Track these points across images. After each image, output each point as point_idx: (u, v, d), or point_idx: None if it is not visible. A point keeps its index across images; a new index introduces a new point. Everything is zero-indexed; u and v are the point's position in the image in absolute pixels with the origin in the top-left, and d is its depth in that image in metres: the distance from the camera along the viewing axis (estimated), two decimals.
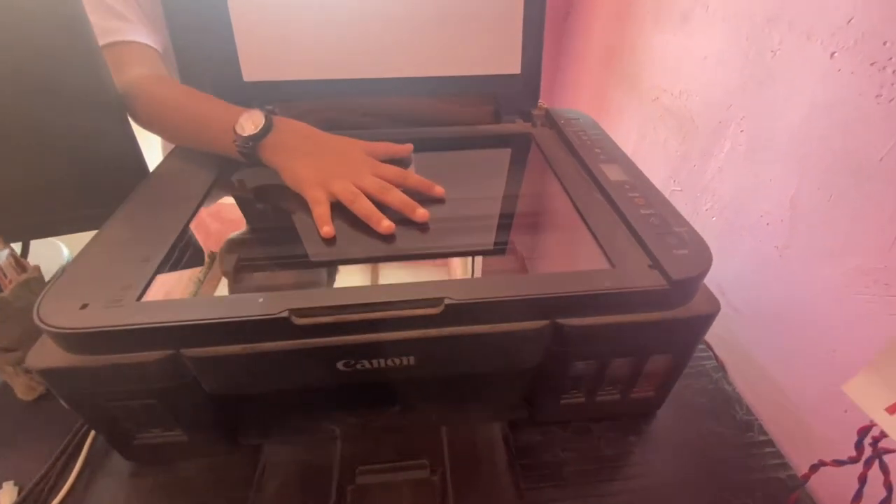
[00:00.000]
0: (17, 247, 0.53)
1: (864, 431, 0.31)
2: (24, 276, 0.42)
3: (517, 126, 0.60)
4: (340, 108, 0.56)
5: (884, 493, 0.31)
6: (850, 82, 0.39)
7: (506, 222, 0.48)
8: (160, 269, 0.36)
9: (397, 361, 0.34)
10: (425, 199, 0.45)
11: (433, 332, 0.33)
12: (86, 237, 0.38)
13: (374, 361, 0.34)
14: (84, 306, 0.31)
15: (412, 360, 0.35)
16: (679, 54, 0.62)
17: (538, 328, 0.34)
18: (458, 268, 0.51)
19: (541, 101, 0.62)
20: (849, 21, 0.38)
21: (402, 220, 0.42)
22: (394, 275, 0.44)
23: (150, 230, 0.39)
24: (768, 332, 0.49)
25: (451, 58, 0.58)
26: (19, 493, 0.39)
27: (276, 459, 0.40)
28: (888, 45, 0.35)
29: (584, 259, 0.40)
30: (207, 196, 0.46)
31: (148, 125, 0.52)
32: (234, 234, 0.48)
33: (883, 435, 0.29)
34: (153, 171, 0.49)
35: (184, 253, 0.39)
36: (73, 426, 0.43)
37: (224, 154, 0.49)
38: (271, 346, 0.32)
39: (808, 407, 0.45)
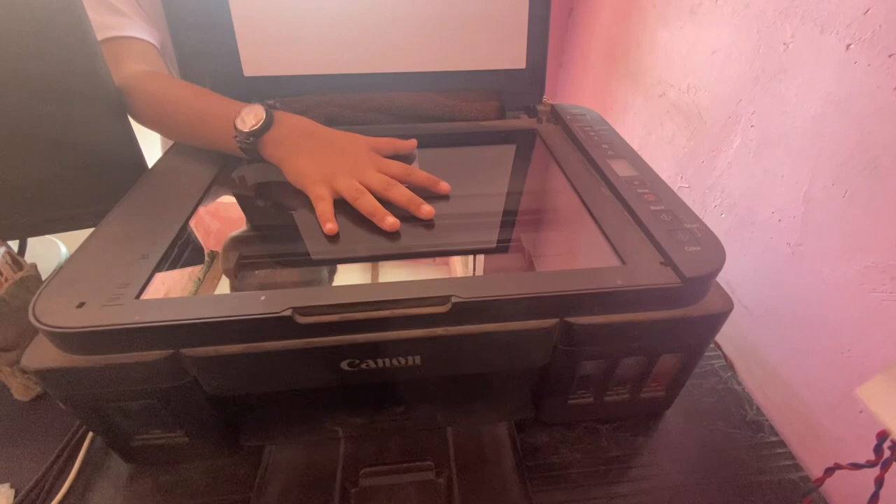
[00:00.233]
0: (13, 244, 0.52)
1: (883, 435, 0.30)
2: (20, 275, 0.41)
3: (522, 122, 0.60)
4: (343, 103, 0.55)
5: None
6: (866, 75, 0.38)
7: (512, 219, 0.47)
8: (159, 267, 0.35)
9: (403, 361, 0.34)
10: (430, 196, 0.44)
11: (440, 330, 0.32)
12: (83, 235, 0.38)
13: (379, 361, 0.33)
14: (81, 305, 0.30)
15: (418, 359, 0.34)
16: (686, 49, 0.61)
17: (547, 327, 0.33)
18: (459, 266, 0.50)
19: (545, 97, 0.61)
20: (865, 12, 0.37)
21: (407, 217, 0.41)
22: (393, 272, 0.43)
23: (149, 227, 0.38)
24: (779, 331, 0.48)
25: (455, 53, 0.57)
26: (16, 496, 0.38)
27: (278, 461, 0.39)
28: None
29: (593, 256, 0.39)
30: (207, 193, 0.45)
31: (146, 122, 0.51)
32: (236, 231, 0.47)
33: None
34: (152, 168, 0.48)
35: (183, 250, 0.38)
36: (70, 427, 0.42)
37: (225, 150, 0.48)
38: (274, 346, 0.31)
39: (820, 407, 0.44)
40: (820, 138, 0.42)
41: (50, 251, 0.63)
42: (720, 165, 0.56)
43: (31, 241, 0.54)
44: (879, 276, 0.37)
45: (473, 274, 0.48)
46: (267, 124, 0.44)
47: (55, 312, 0.30)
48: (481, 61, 0.58)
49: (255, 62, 0.55)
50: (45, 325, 0.29)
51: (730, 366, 0.52)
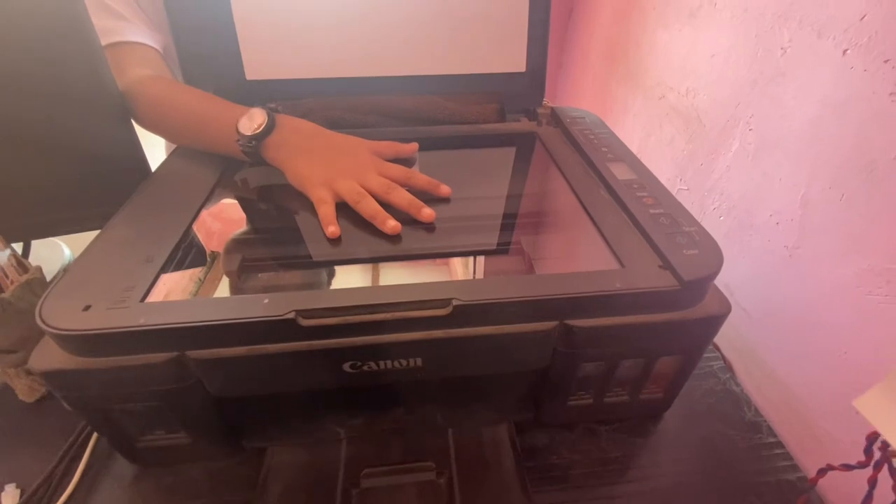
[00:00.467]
0: (18, 247, 0.52)
1: (873, 437, 0.30)
2: (25, 277, 0.42)
3: (522, 125, 0.60)
4: (344, 106, 0.56)
5: (893, 497, 0.30)
6: (862, 80, 0.38)
7: (512, 222, 0.47)
8: (164, 270, 0.35)
9: (404, 363, 0.34)
10: (431, 199, 0.44)
11: (441, 333, 0.32)
12: (88, 237, 0.38)
13: (381, 363, 0.34)
14: (87, 308, 0.31)
15: (419, 361, 0.34)
16: (686, 51, 0.62)
17: (547, 329, 0.33)
18: (459, 268, 0.50)
19: (545, 100, 0.62)
20: (862, 18, 0.38)
21: (408, 220, 0.42)
22: (394, 274, 0.43)
23: (154, 230, 0.39)
24: (777, 333, 0.49)
25: (455, 56, 0.58)
26: (21, 497, 0.38)
27: (280, 462, 0.39)
28: None
29: (592, 259, 0.39)
30: (211, 196, 0.45)
31: (150, 126, 0.51)
32: (237, 233, 0.47)
33: None
34: (155, 171, 0.48)
35: (188, 253, 0.39)
36: (75, 428, 0.43)
37: (227, 154, 0.48)
38: (277, 348, 0.31)
39: (818, 408, 0.44)
40: (817, 142, 0.43)
41: (54, 253, 0.63)
42: (719, 168, 0.56)
43: (35, 243, 0.55)
44: (876, 279, 0.38)
45: (474, 276, 0.48)
46: (269, 128, 0.45)
47: (61, 315, 0.30)
48: (482, 64, 0.59)
49: (258, 66, 0.56)
50: (51, 327, 0.29)
51: (728, 367, 0.52)
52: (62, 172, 0.46)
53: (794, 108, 0.45)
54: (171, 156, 0.51)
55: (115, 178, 0.47)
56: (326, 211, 0.41)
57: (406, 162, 0.49)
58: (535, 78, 0.60)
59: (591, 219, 0.41)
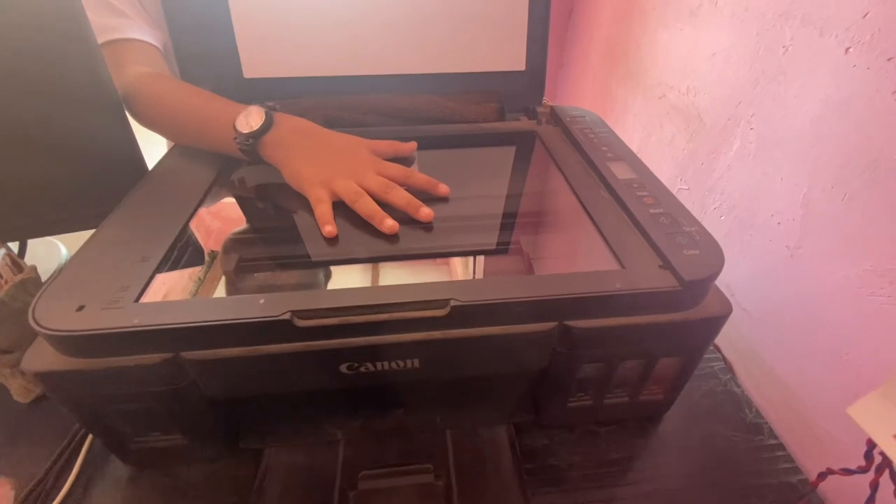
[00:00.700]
0: (14, 246, 0.52)
1: (873, 442, 0.30)
2: (20, 277, 0.41)
3: (522, 124, 0.60)
4: (343, 105, 0.55)
5: (894, 502, 0.30)
6: (865, 78, 0.38)
7: (511, 222, 0.47)
8: (159, 269, 0.35)
9: (402, 364, 0.34)
10: (430, 199, 0.44)
11: (438, 334, 0.32)
12: (85, 236, 0.38)
13: (378, 364, 0.33)
14: (81, 308, 0.30)
15: (417, 362, 0.34)
16: (686, 51, 0.61)
17: (546, 330, 0.33)
18: (459, 267, 0.50)
19: (545, 99, 0.61)
20: (865, 15, 0.37)
21: (406, 220, 0.41)
22: (393, 274, 0.43)
23: (149, 229, 0.38)
24: (778, 334, 0.48)
25: (454, 54, 0.57)
26: (15, 497, 0.38)
27: (277, 463, 0.39)
28: None
29: (592, 259, 0.39)
30: (208, 195, 0.45)
31: (148, 124, 0.51)
32: (234, 232, 0.47)
33: None
34: (152, 170, 0.48)
35: (183, 252, 0.38)
36: (70, 429, 0.42)
37: (225, 152, 0.48)
38: (273, 349, 0.31)
39: (819, 410, 0.44)
40: (819, 141, 0.42)
41: (50, 252, 0.63)
42: (720, 168, 0.56)
43: (31, 242, 0.54)
44: (878, 280, 0.37)
45: (473, 275, 0.48)
46: (266, 126, 0.44)
47: (55, 315, 0.30)
48: (481, 63, 0.58)
49: (255, 64, 0.55)
50: (44, 328, 0.29)
51: (729, 368, 0.52)
52: (58, 171, 0.46)
53: (796, 107, 0.45)
54: (168, 154, 0.51)
55: (112, 176, 0.47)
56: (323, 210, 0.41)
57: (405, 161, 0.48)
58: (534, 76, 0.60)
59: (591, 218, 0.41)
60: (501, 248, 0.44)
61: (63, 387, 0.32)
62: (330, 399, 0.40)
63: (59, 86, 0.43)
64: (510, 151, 0.58)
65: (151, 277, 0.34)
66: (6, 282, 0.41)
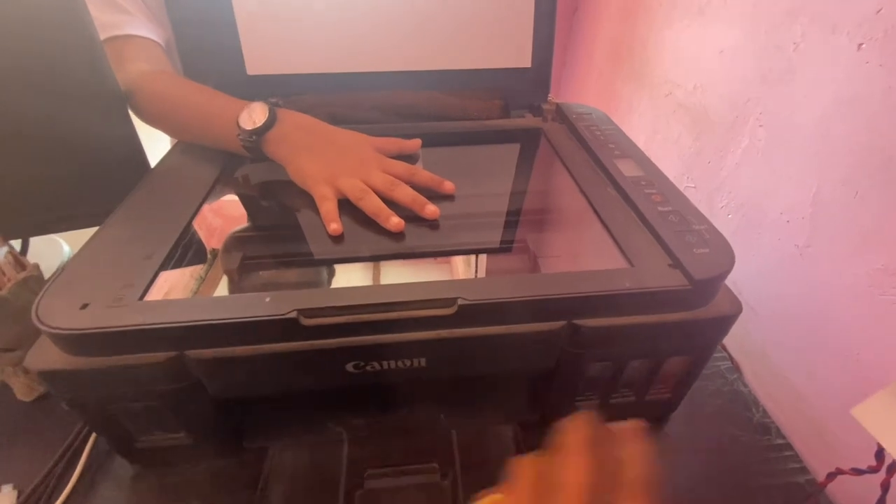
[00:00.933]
0: (16, 244, 0.52)
1: None
2: (22, 275, 0.41)
3: (527, 121, 0.59)
4: (346, 102, 0.55)
5: None
6: (878, 75, 0.37)
7: (517, 220, 0.46)
8: (163, 267, 0.34)
9: (408, 363, 0.33)
10: (434, 196, 0.43)
11: (445, 333, 0.32)
12: (87, 234, 0.37)
13: (385, 363, 0.33)
14: (84, 306, 0.30)
15: (423, 361, 0.33)
16: (693, 48, 0.61)
17: (554, 329, 0.32)
18: (461, 266, 0.50)
19: (550, 96, 0.61)
20: (878, 11, 0.37)
21: (412, 217, 0.41)
22: (394, 272, 0.43)
23: (153, 227, 0.38)
24: (786, 333, 0.48)
25: (459, 51, 0.57)
26: (18, 497, 0.38)
27: (282, 463, 0.39)
28: None
29: (600, 258, 0.39)
30: (211, 192, 0.44)
31: (151, 121, 0.51)
32: (236, 230, 0.47)
33: None
34: (155, 167, 0.48)
35: (187, 250, 0.38)
36: (73, 428, 0.42)
37: (228, 149, 0.48)
38: (278, 348, 0.31)
39: (827, 410, 0.43)
40: (830, 139, 0.42)
41: (53, 250, 0.63)
42: (728, 166, 0.55)
43: (33, 240, 0.54)
44: (889, 279, 0.37)
45: (476, 273, 0.47)
46: (270, 122, 0.44)
47: (58, 314, 0.29)
48: (486, 59, 0.58)
49: (259, 61, 0.55)
50: (48, 326, 0.29)
51: (736, 368, 0.51)
52: (60, 169, 0.46)
53: (806, 104, 0.44)
54: (171, 151, 0.51)
55: (115, 174, 0.47)
56: (329, 208, 0.40)
57: (409, 158, 0.48)
58: (540, 73, 0.59)
59: (599, 216, 0.40)
60: (507, 247, 0.44)
61: (66, 385, 0.31)
62: (335, 398, 0.40)
63: (61, 83, 0.42)
64: (515, 149, 0.58)
65: (155, 275, 0.33)
66: (9, 279, 0.40)
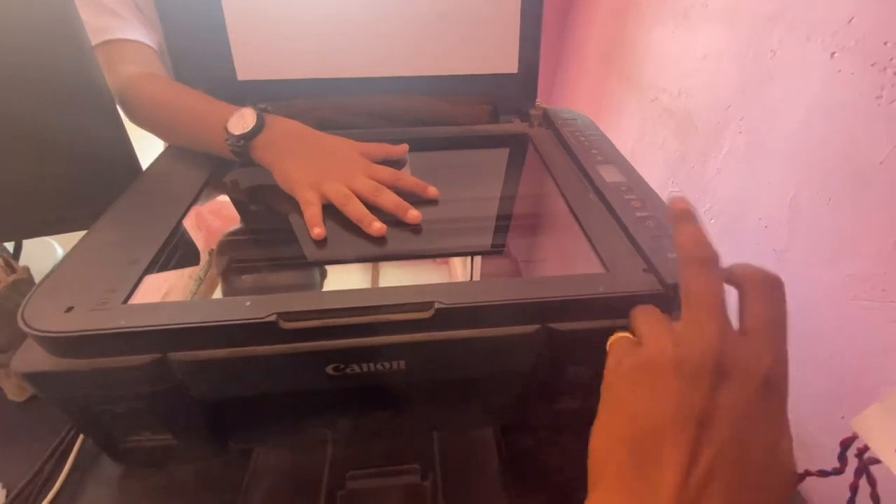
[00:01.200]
0: (9, 246, 0.53)
1: (846, 443, 0.30)
2: (12, 278, 0.42)
3: (514, 126, 0.60)
4: (335, 107, 0.56)
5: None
6: (850, 83, 0.38)
7: (500, 224, 0.47)
8: (149, 271, 0.35)
9: (387, 365, 0.34)
10: (419, 201, 0.44)
11: (423, 336, 0.32)
12: (80, 236, 0.38)
13: (364, 365, 0.34)
14: (69, 309, 0.31)
15: (403, 364, 0.34)
16: (678, 53, 0.62)
17: (530, 333, 0.33)
18: (458, 267, 0.50)
19: (539, 101, 0.62)
20: (850, 21, 0.38)
21: (396, 222, 0.42)
22: (394, 274, 0.43)
23: (140, 231, 0.39)
24: None
25: (446, 57, 0.58)
26: (7, 496, 0.38)
27: (266, 463, 0.39)
28: (889, 45, 0.35)
29: (578, 262, 0.39)
30: (199, 196, 0.45)
31: (142, 123, 0.51)
32: (226, 233, 0.47)
33: (868, 447, 0.29)
34: (146, 171, 0.48)
35: (173, 254, 0.39)
36: (63, 427, 0.43)
37: (217, 153, 0.48)
38: (259, 351, 0.31)
39: (804, 413, 0.44)
40: (807, 145, 0.43)
41: (46, 253, 0.63)
42: (710, 171, 0.56)
43: (26, 242, 0.55)
44: (862, 284, 0.38)
45: (471, 273, 0.48)
46: (258, 128, 0.45)
47: (44, 317, 0.30)
48: (473, 65, 0.59)
49: (249, 66, 0.56)
50: (33, 329, 0.29)
51: None
52: (51, 172, 0.46)
53: (784, 112, 0.45)
54: (161, 156, 0.51)
55: (106, 176, 0.47)
56: (313, 213, 0.41)
57: (396, 163, 0.49)
58: (527, 79, 0.60)
59: (578, 222, 0.41)
60: (489, 251, 0.44)
61: (52, 387, 0.32)
62: (319, 400, 0.40)
63: (52, 85, 0.43)
64: (502, 154, 0.59)
65: (140, 279, 0.34)
66: None
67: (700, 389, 0.23)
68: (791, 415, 0.45)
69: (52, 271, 0.34)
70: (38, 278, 0.45)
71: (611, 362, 0.27)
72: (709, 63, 0.56)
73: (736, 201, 0.52)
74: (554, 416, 0.43)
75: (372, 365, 0.34)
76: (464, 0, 0.55)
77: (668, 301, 0.34)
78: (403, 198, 0.43)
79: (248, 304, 0.31)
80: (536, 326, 0.33)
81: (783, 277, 0.46)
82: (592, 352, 0.36)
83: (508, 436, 0.44)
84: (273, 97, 0.55)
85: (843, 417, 0.39)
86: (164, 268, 0.37)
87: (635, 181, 0.44)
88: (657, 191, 0.43)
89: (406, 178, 0.45)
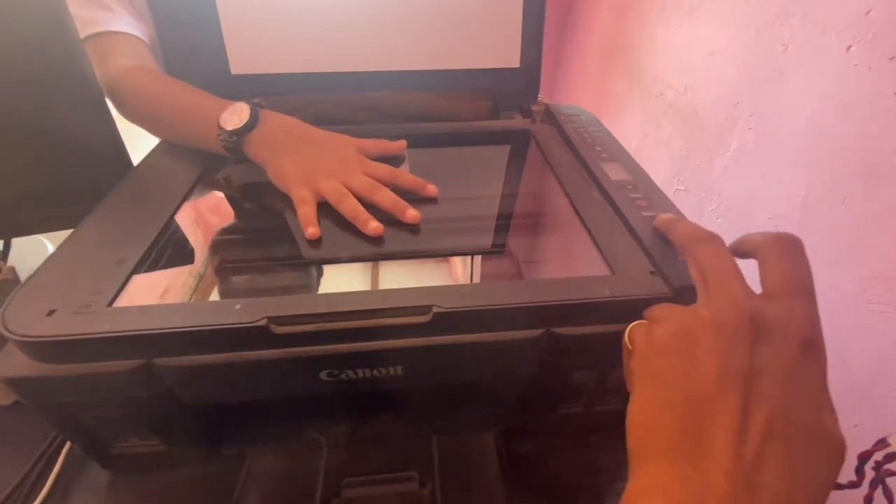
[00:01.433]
0: None
1: (864, 457, 0.29)
2: None
3: (516, 122, 0.58)
4: (332, 102, 0.54)
5: None
6: (866, 78, 0.36)
7: (501, 223, 0.46)
8: (136, 271, 0.34)
9: (384, 371, 0.33)
10: (418, 199, 0.43)
11: (421, 341, 0.31)
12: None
13: (360, 371, 0.32)
14: (51, 313, 0.29)
15: (400, 369, 0.33)
16: (684, 49, 0.60)
17: (532, 338, 0.32)
18: (459, 266, 0.49)
19: (541, 97, 0.60)
20: (867, 13, 0.36)
21: (393, 221, 0.40)
22: (394, 273, 0.42)
23: (128, 230, 0.37)
24: None
25: (447, 51, 0.56)
26: None
27: (259, 469, 0.38)
28: None
29: (582, 264, 0.38)
30: (191, 193, 0.44)
31: (133, 118, 0.50)
32: (218, 232, 0.46)
33: (887, 459, 0.28)
34: (136, 168, 0.47)
35: (162, 254, 0.37)
36: (51, 432, 0.42)
37: (210, 149, 0.47)
38: (249, 356, 0.30)
39: None
40: (818, 142, 0.41)
41: (37, 251, 0.62)
42: (717, 168, 0.54)
43: (16, 240, 0.53)
44: (876, 287, 0.36)
45: (471, 273, 0.47)
46: (251, 123, 0.43)
47: (24, 320, 0.29)
48: (474, 59, 0.57)
49: (243, 60, 0.54)
50: (13, 333, 0.28)
51: None
52: (39, 169, 0.45)
53: (795, 108, 0.44)
54: (153, 152, 0.50)
55: (95, 173, 0.46)
56: (307, 211, 0.40)
57: (395, 160, 0.47)
58: (529, 74, 0.58)
59: (582, 222, 0.40)
60: (489, 251, 0.43)
61: (34, 393, 0.31)
62: (313, 404, 0.39)
63: (38, 78, 0.41)
64: (503, 150, 0.57)
65: (127, 280, 0.33)
66: None
67: (741, 346, 0.21)
68: None
69: (36, 272, 0.33)
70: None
71: (640, 341, 0.25)
72: (716, 58, 0.54)
73: (744, 200, 0.50)
74: (556, 421, 0.41)
75: (368, 371, 0.32)
76: None
77: (675, 304, 0.33)
78: (402, 196, 0.41)
79: (238, 307, 0.30)
80: (540, 331, 0.32)
81: None
82: (597, 356, 0.35)
83: (510, 440, 0.42)
84: (268, 91, 0.54)
85: (856, 426, 0.38)
86: (152, 267, 0.36)
87: (641, 179, 0.43)
88: (662, 189, 0.41)
89: (404, 175, 0.44)
